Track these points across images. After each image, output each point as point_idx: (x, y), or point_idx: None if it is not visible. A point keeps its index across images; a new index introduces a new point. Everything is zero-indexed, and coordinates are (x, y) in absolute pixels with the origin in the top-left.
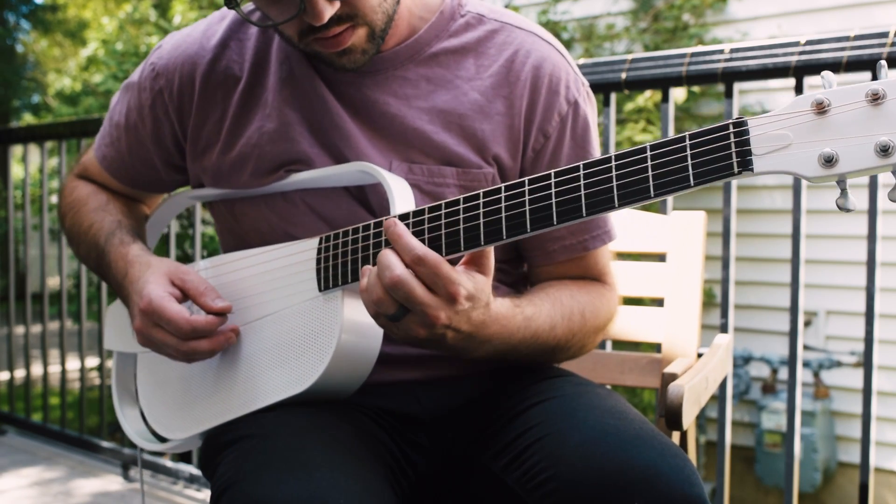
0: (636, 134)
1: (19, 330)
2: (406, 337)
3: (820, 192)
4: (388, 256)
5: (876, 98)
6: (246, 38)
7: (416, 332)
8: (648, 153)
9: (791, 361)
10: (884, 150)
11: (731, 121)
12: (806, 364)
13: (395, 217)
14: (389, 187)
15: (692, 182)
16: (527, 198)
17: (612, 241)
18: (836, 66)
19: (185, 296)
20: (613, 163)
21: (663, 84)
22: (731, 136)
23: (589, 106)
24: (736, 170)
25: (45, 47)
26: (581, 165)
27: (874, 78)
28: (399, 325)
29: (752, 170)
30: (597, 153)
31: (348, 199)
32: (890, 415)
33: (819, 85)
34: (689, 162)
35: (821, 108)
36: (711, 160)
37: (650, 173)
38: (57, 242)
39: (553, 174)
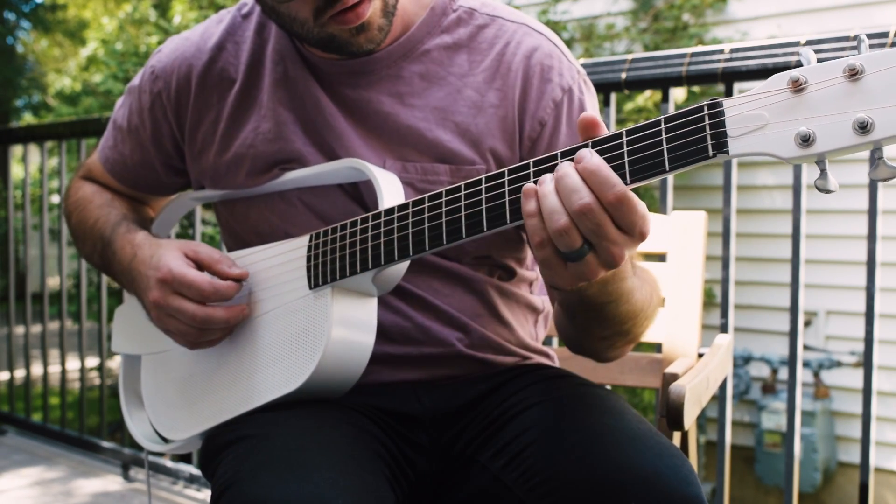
0: None
1: (19, 330)
2: (574, 279)
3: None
4: (573, 178)
5: (854, 73)
6: (242, 41)
7: (594, 273)
8: (625, 139)
9: (791, 361)
10: (862, 128)
11: (706, 102)
12: (806, 364)
13: (589, 148)
14: (377, 181)
15: (667, 167)
16: (506, 189)
17: None
18: None
19: (199, 267)
20: (590, 149)
21: (663, 84)
22: (706, 117)
23: (586, 94)
24: (711, 153)
25: (45, 47)
26: (559, 153)
27: None
28: (576, 266)
29: (727, 152)
30: None
31: (344, 197)
32: (890, 415)
33: None
34: (665, 146)
35: (797, 86)
36: (686, 144)
37: (626, 159)
38: (57, 242)
39: (532, 163)
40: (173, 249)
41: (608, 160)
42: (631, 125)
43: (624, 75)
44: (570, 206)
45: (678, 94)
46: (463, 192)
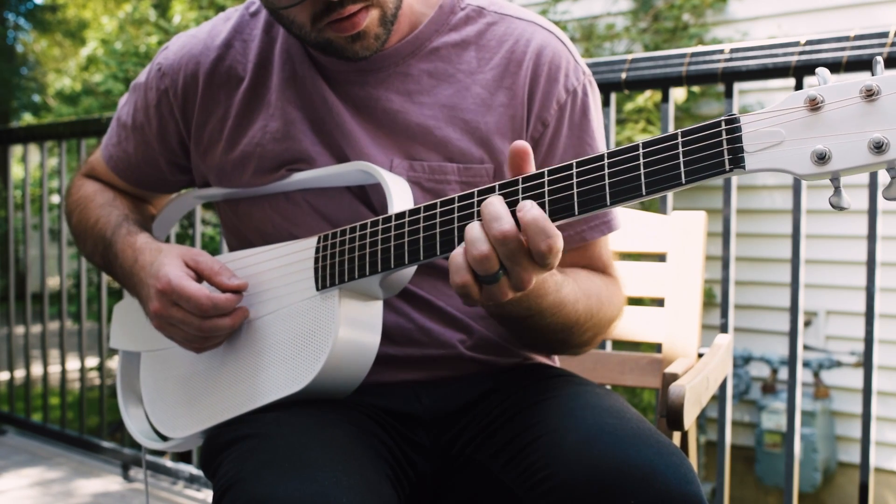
0: (636, 134)
1: (19, 330)
2: (487, 300)
3: (820, 193)
4: (496, 206)
5: (870, 94)
6: (250, 39)
7: (503, 295)
8: (641, 151)
9: (791, 361)
10: (877, 147)
11: (723, 118)
12: (806, 364)
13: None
14: (387, 186)
15: (683, 180)
16: (520, 196)
17: (612, 231)
18: (836, 66)
19: (198, 277)
20: (606, 161)
21: (663, 84)
22: (723, 133)
23: (591, 96)
24: (727, 167)
25: (45, 47)
26: (574, 164)
27: None
28: (489, 287)
29: (743, 167)
30: (597, 143)
31: (351, 198)
32: (890, 415)
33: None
34: (682, 160)
35: (814, 105)
36: (703, 157)
37: (642, 171)
38: (57, 242)
39: (546, 172)
40: (174, 257)
41: (624, 171)
42: (631, 125)
43: (624, 75)
44: (492, 232)
45: (678, 94)
46: (476, 199)
